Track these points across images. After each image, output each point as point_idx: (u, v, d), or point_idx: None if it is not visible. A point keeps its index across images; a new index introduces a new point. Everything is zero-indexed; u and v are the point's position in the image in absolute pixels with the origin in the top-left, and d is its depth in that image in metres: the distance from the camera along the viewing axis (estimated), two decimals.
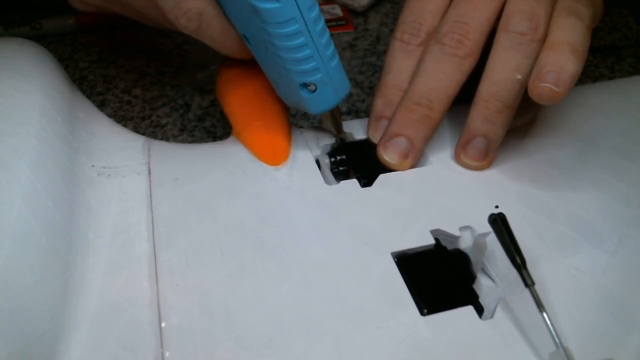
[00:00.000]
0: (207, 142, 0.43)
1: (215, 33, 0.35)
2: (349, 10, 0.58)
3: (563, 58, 0.33)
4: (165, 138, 0.44)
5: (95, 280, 0.29)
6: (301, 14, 0.31)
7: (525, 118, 0.39)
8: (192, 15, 0.33)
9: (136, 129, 0.45)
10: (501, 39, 0.35)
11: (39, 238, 0.27)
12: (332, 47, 0.33)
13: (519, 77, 0.34)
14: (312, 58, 0.32)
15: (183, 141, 0.44)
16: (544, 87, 0.32)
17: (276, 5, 0.30)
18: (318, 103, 0.34)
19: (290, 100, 0.36)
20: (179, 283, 0.29)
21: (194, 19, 0.34)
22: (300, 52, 0.32)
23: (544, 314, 0.27)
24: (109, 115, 0.45)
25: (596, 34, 0.54)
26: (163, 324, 0.28)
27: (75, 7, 0.41)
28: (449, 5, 0.37)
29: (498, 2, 0.36)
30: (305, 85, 0.33)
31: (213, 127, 0.45)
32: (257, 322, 0.28)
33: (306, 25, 0.31)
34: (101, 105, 0.47)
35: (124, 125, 0.44)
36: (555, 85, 0.32)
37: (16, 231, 0.26)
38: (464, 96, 0.36)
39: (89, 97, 0.47)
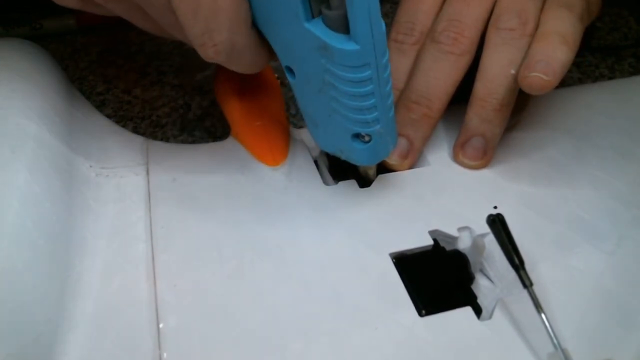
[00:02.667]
0: (207, 142, 0.43)
1: (242, 63, 0.30)
2: None
3: (552, 47, 0.33)
4: (165, 138, 0.44)
5: (93, 282, 0.29)
6: (376, 59, 0.27)
7: (515, 119, 0.39)
8: (224, 48, 0.28)
9: (136, 129, 0.45)
10: (492, 37, 0.35)
11: (36, 239, 0.27)
12: (392, 97, 0.30)
13: (513, 71, 0.34)
14: (375, 108, 0.29)
15: (183, 141, 0.44)
16: (534, 76, 0.32)
17: (355, 47, 0.26)
18: (368, 155, 0.32)
19: (331, 147, 0.33)
20: (177, 284, 0.29)
21: (223, 52, 0.28)
22: (366, 100, 0.29)
23: (543, 315, 0.27)
24: (109, 115, 0.46)
25: (596, 34, 0.54)
26: (161, 325, 0.28)
27: (63, 5, 0.33)
28: (441, 5, 0.37)
29: (490, 0, 0.36)
30: (358, 136, 0.31)
31: (213, 127, 0.45)
32: (255, 323, 0.28)
33: (377, 72, 0.28)
34: (101, 106, 0.47)
35: (124, 125, 0.44)
36: (545, 74, 0.32)
37: (13, 232, 0.26)
38: (461, 95, 0.36)
39: (89, 97, 0.47)
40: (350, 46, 0.26)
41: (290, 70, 0.30)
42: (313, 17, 0.27)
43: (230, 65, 0.30)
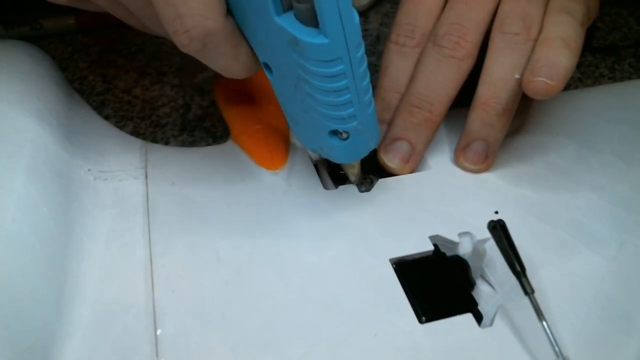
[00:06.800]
0: (207, 142, 0.43)
1: (221, 57, 0.29)
2: None
3: (556, 52, 0.33)
4: (165, 138, 0.44)
5: (90, 286, 0.29)
6: (348, 53, 0.27)
7: (517, 123, 0.39)
8: (196, 34, 0.27)
9: (136, 129, 0.45)
10: (496, 40, 0.35)
11: (33, 243, 0.27)
12: (370, 92, 0.29)
13: (517, 76, 0.34)
14: (350, 103, 0.28)
15: (183, 141, 0.43)
16: (538, 81, 0.32)
17: (324, 41, 0.26)
18: (347, 152, 0.31)
19: (311, 144, 0.32)
20: (174, 289, 0.29)
21: (197, 39, 0.27)
22: (340, 95, 0.28)
23: (544, 323, 0.27)
24: (109, 116, 0.45)
25: (596, 34, 0.53)
26: (158, 331, 0.27)
27: (53, 1, 0.33)
28: (442, 7, 0.37)
29: (492, 3, 0.36)
30: (335, 132, 0.30)
31: (213, 127, 0.45)
32: (253, 329, 0.28)
33: (351, 67, 0.27)
34: (101, 106, 0.47)
35: (124, 125, 0.44)
36: (550, 79, 0.32)
37: (10, 236, 0.26)
38: (462, 99, 0.36)
39: (88, 97, 0.47)
40: (319, 40, 0.26)
41: (268, 67, 0.30)
42: (285, 11, 0.27)
43: (209, 58, 0.29)
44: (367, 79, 0.29)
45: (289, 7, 0.27)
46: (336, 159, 0.32)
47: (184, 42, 0.27)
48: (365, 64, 0.28)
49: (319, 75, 0.27)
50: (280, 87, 0.30)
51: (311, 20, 0.26)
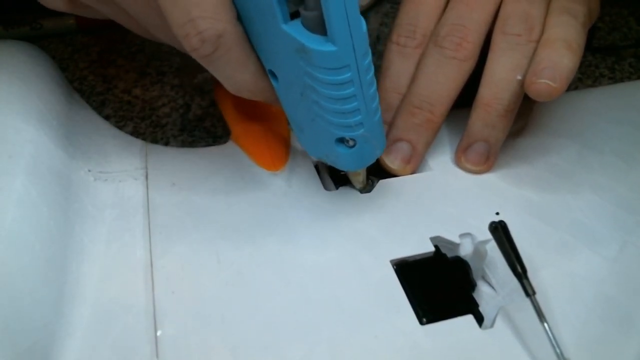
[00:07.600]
0: (207, 142, 0.43)
1: (230, 63, 0.28)
2: None
3: (558, 54, 0.33)
4: (166, 138, 0.44)
5: (90, 287, 0.29)
6: (356, 60, 0.27)
7: (519, 124, 0.39)
8: (209, 36, 0.26)
9: (136, 129, 0.44)
10: (498, 41, 0.35)
11: (33, 244, 0.27)
12: (377, 100, 0.29)
13: (519, 77, 0.34)
14: (358, 111, 0.28)
15: (183, 141, 0.43)
16: (541, 83, 0.32)
17: (332, 49, 0.26)
18: (353, 160, 0.31)
19: (317, 152, 0.32)
20: (174, 290, 0.29)
21: (209, 41, 0.27)
22: (348, 103, 0.28)
23: (545, 325, 0.27)
24: (109, 116, 0.45)
25: (596, 34, 0.53)
26: (158, 333, 0.27)
27: (52, 8, 0.33)
28: (443, 8, 0.37)
29: (493, 4, 0.36)
30: (342, 140, 0.30)
31: (213, 127, 0.45)
32: (253, 330, 0.28)
33: (358, 74, 0.27)
34: (101, 106, 0.47)
35: (124, 125, 0.44)
36: (552, 81, 0.32)
37: (10, 237, 0.26)
38: (463, 100, 0.36)
39: (88, 97, 0.47)
40: (327, 47, 0.26)
41: (273, 74, 0.29)
42: (292, 19, 0.27)
43: (219, 65, 0.28)
44: (374, 86, 0.29)
45: (296, 15, 0.26)
46: (342, 166, 0.32)
47: (196, 45, 0.27)
48: (372, 71, 0.28)
49: (326, 82, 0.27)
50: (286, 95, 0.30)
51: (319, 27, 0.26)
